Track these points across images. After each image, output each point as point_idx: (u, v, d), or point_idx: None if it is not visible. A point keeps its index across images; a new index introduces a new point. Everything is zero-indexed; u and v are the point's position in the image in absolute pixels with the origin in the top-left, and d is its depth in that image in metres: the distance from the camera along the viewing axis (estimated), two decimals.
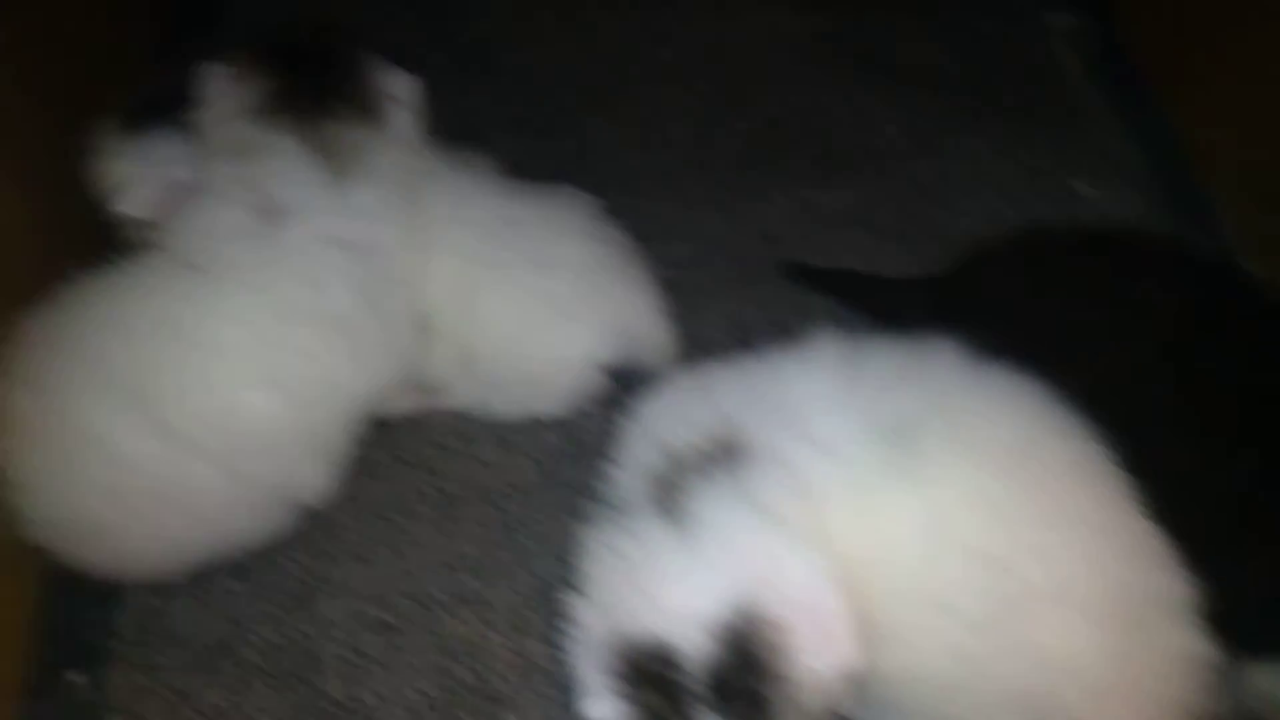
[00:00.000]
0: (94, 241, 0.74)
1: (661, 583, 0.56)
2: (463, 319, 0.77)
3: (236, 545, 0.71)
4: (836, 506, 0.59)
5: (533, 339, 0.78)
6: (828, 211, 0.95)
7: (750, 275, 0.91)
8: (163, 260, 0.68)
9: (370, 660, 0.68)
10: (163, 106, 0.75)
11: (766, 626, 0.54)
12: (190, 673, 0.68)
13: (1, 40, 0.75)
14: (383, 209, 0.72)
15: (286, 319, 0.67)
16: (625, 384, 0.81)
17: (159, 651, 0.69)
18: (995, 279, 0.79)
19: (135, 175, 0.74)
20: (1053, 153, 0.97)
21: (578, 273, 0.79)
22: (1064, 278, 0.75)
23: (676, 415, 0.64)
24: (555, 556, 0.73)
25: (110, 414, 0.64)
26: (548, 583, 0.72)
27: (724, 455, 0.60)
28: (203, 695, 0.67)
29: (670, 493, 0.59)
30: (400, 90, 0.75)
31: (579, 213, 0.82)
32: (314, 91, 0.72)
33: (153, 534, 0.67)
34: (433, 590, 0.72)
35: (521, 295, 0.78)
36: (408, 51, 0.81)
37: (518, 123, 1.02)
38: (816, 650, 0.55)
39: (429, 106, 0.81)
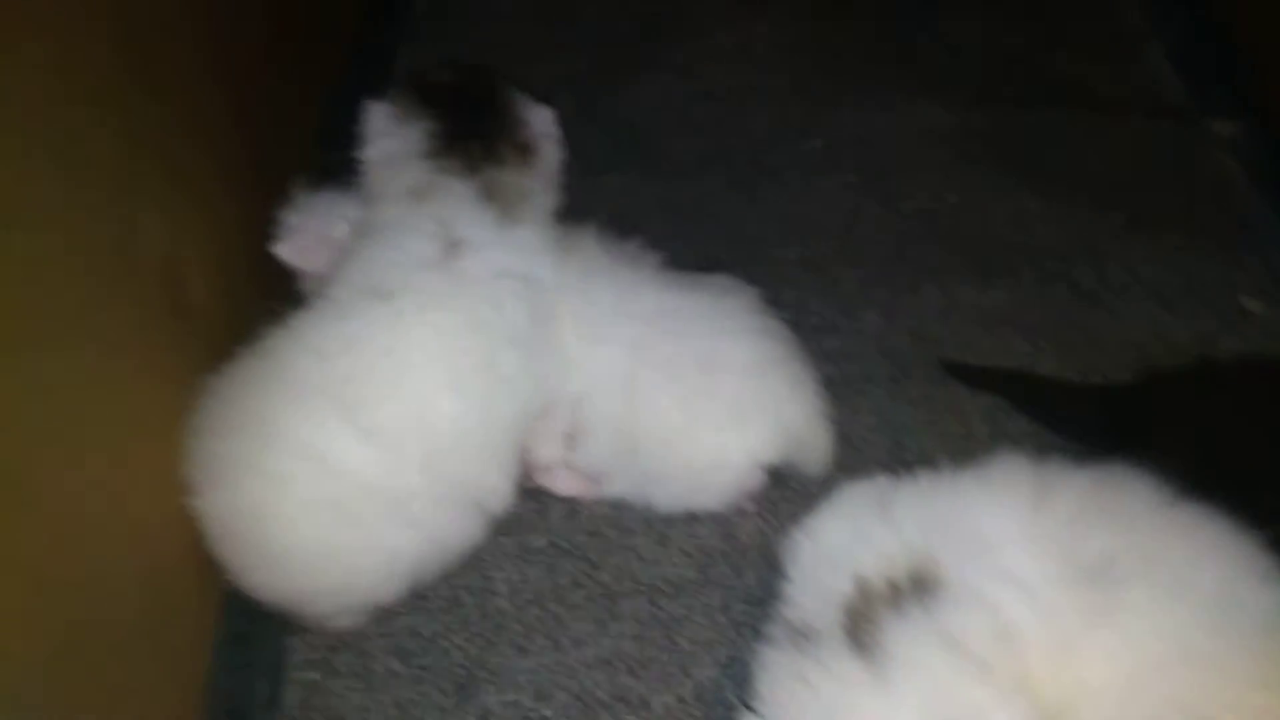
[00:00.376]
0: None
1: (855, 718, 0.55)
2: (625, 409, 0.78)
3: (440, 555, 0.72)
4: (1036, 650, 0.57)
5: (695, 436, 0.78)
6: (982, 311, 0.94)
7: (902, 372, 0.90)
8: (348, 292, 0.72)
9: None
10: (340, 166, 0.79)
11: None
12: None
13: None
14: (540, 244, 0.76)
15: (470, 334, 0.71)
16: (779, 480, 0.81)
17: None
18: (1172, 398, 0.77)
19: (299, 225, 0.80)
20: (1219, 265, 0.95)
21: (743, 369, 0.79)
22: (1242, 406, 0.73)
23: (861, 539, 0.63)
24: (714, 660, 0.73)
25: (319, 427, 0.67)
26: (707, 688, 0.71)
27: (919, 590, 0.59)
28: None
29: (862, 625, 0.58)
30: (546, 125, 0.79)
31: (743, 305, 0.82)
32: (480, 136, 0.75)
33: (368, 544, 0.69)
34: (592, 688, 0.71)
35: (686, 392, 0.78)
36: (564, 126, 0.83)
37: (665, 205, 1.04)
38: None
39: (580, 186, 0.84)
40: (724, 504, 0.81)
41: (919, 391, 0.89)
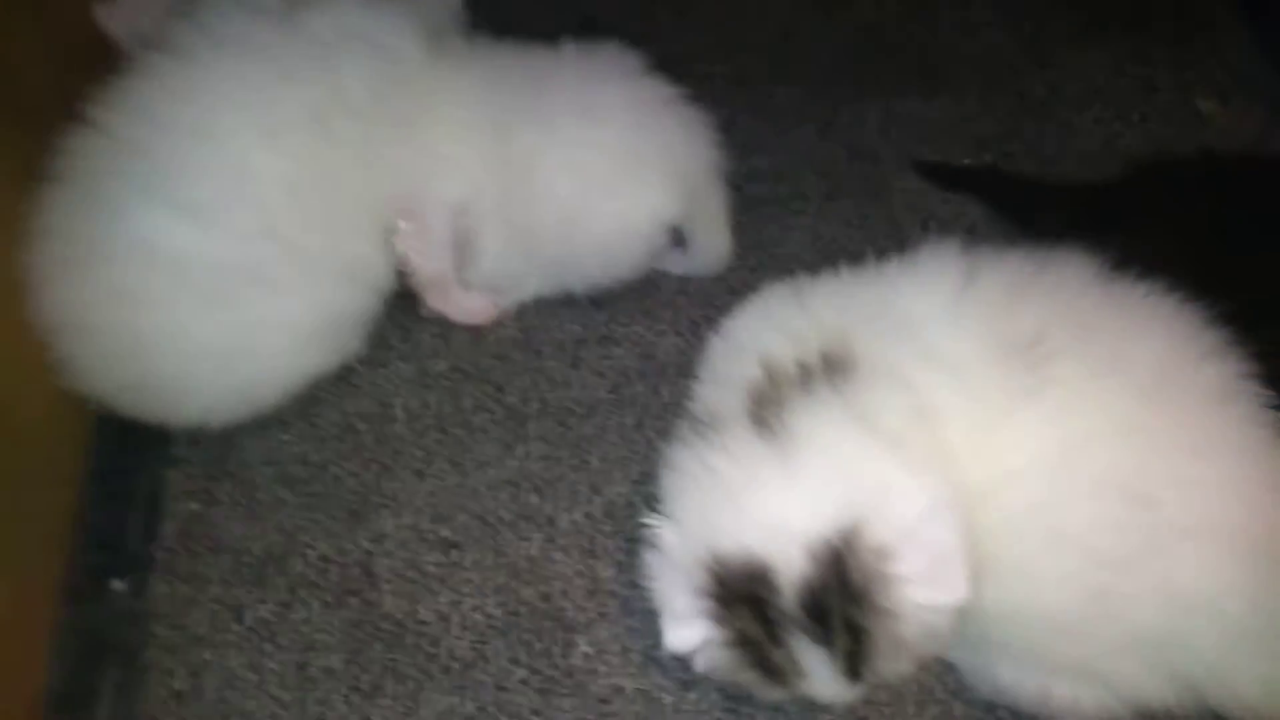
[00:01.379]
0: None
1: (759, 498, 0.50)
2: (510, 200, 0.71)
3: (319, 336, 0.67)
4: (957, 429, 0.53)
5: (593, 209, 0.71)
6: (925, 124, 0.87)
7: (837, 189, 0.84)
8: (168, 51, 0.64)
9: (430, 578, 0.64)
10: None
11: (871, 552, 0.48)
12: (237, 585, 0.64)
13: None
14: (410, 28, 0.69)
15: (288, 86, 0.64)
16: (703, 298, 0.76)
17: (204, 561, 0.65)
18: (1146, 195, 0.71)
19: None
20: (1173, 68, 0.88)
21: (627, 122, 0.71)
22: (1228, 200, 0.68)
23: (775, 327, 0.58)
24: (627, 479, 0.68)
25: (139, 219, 0.61)
26: (619, 505, 0.67)
27: (832, 370, 0.54)
28: (250, 608, 0.63)
29: (770, 408, 0.53)
30: None
31: (621, 63, 0.74)
32: None
33: (233, 323, 0.64)
34: (497, 509, 0.66)
35: (571, 162, 0.70)
36: None
37: (587, 23, 0.95)
38: (925, 583, 0.49)
39: None
40: (638, 271, 0.75)
41: (855, 210, 0.82)
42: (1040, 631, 0.53)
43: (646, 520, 0.54)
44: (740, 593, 0.49)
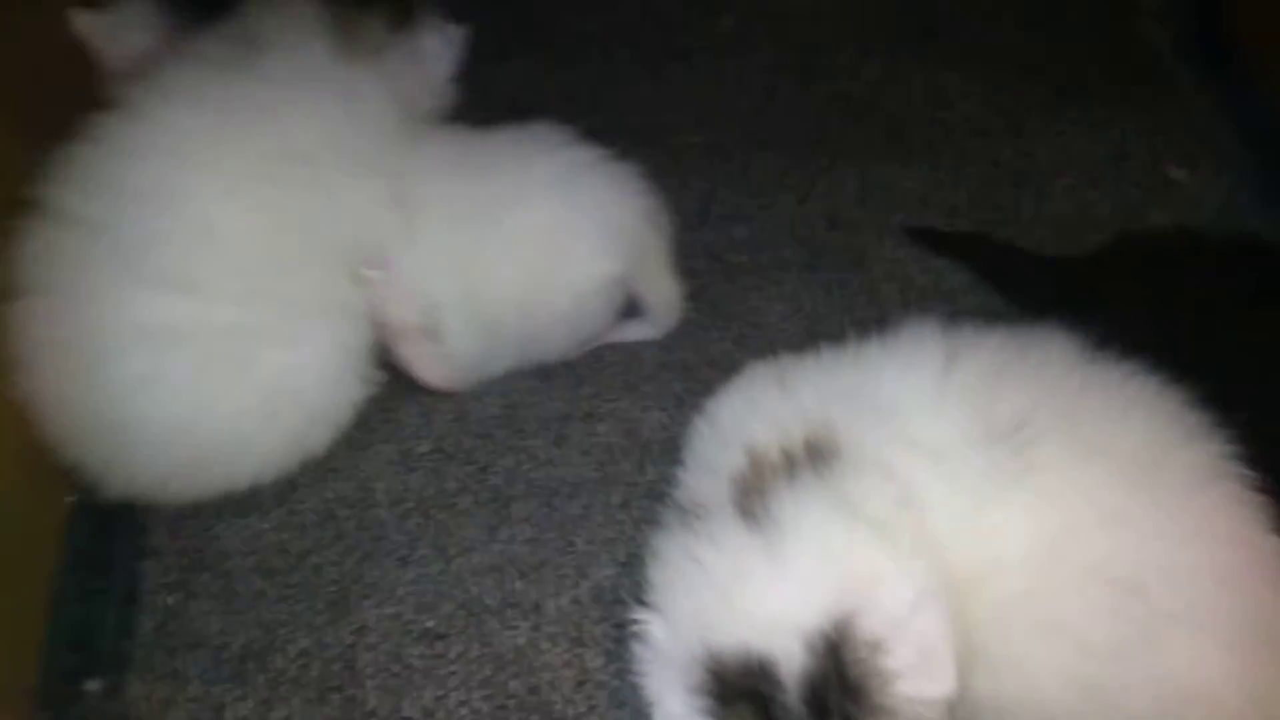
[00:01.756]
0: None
1: (750, 590, 0.50)
2: (469, 283, 0.72)
3: (312, 394, 0.67)
4: (941, 517, 0.53)
5: (541, 285, 0.73)
6: (901, 192, 0.88)
7: (816, 258, 0.84)
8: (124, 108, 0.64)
9: (413, 671, 0.62)
10: None
11: (864, 645, 0.48)
12: (216, 683, 0.62)
13: None
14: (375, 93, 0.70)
15: (240, 138, 0.64)
16: (687, 372, 0.76)
17: (181, 658, 0.63)
18: (1142, 271, 0.72)
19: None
20: (1143, 135, 0.90)
21: (560, 196, 0.74)
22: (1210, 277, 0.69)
23: (757, 413, 0.58)
24: (613, 559, 0.67)
25: (126, 295, 0.61)
26: (606, 589, 0.66)
27: (815, 457, 0.54)
28: (230, 707, 0.61)
29: (755, 498, 0.53)
30: (441, 34, 0.76)
31: (549, 141, 0.77)
32: None
33: (232, 404, 0.64)
34: (482, 596, 0.65)
35: (514, 240, 0.73)
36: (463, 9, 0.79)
37: (565, 91, 0.96)
38: (916, 676, 0.48)
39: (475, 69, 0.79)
40: (601, 333, 0.77)
41: (834, 278, 0.83)
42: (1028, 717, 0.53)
43: (635, 615, 0.53)
44: (740, 690, 0.48)
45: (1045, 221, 0.86)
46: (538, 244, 0.74)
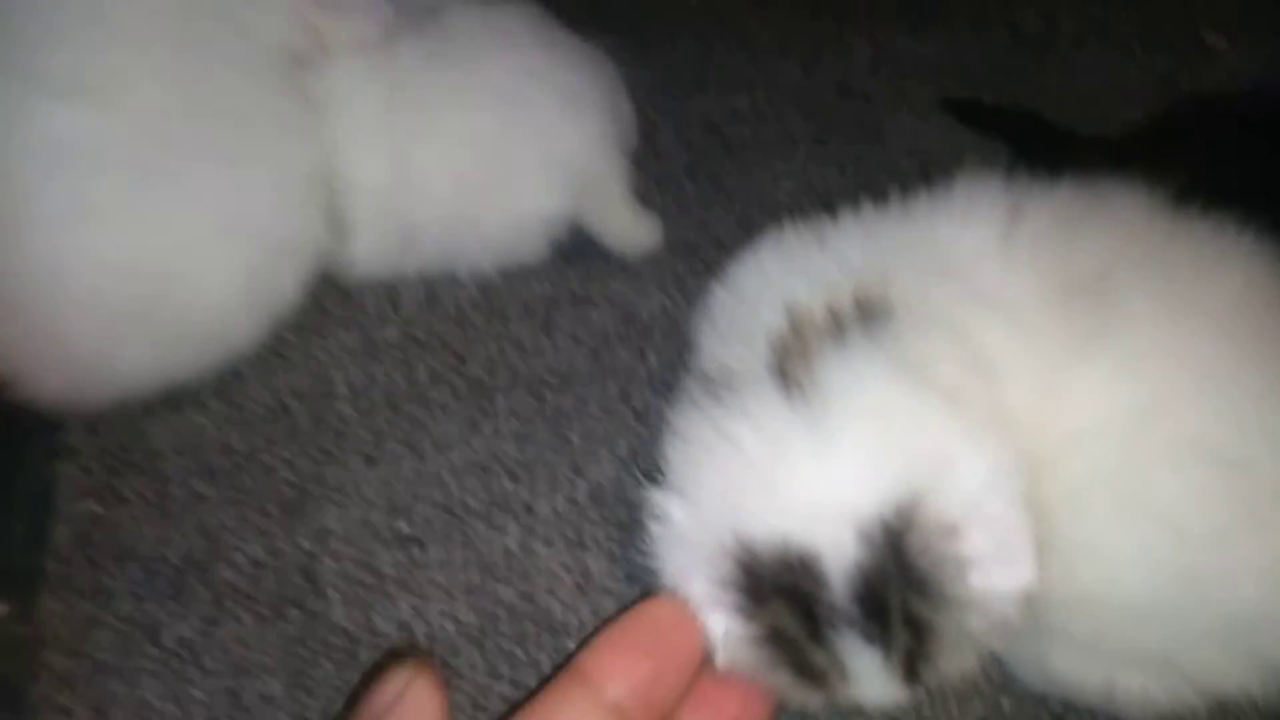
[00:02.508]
0: None
1: (793, 473, 0.41)
2: (394, 177, 0.62)
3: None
4: (1013, 385, 0.45)
5: (467, 188, 0.63)
6: (916, 61, 0.80)
7: (826, 131, 0.76)
8: None
9: (385, 580, 0.53)
10: None
11: (934, 531, 0.40)
12: (150, 599, 0.53)
13: None
14: None
15: None
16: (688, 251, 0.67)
17: (108, 573, 0.54)
18: (1217, 134, 0.65)
19: None
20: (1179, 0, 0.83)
21: (509, 108, 0.63)
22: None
23: (795, 270, 0.49)
24: (614, 458, 0.59)
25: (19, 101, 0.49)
26: (606, 488, 0.57)
27: (868, 317, 0.46)
28: (168, 626, 0.52)
29: (796, 362, 0.45)
30: None
31: (513, 29, 0.66)
32: None
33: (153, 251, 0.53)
34: (464, 497, 0.57)
35: (450, 136, 0.63)
36: None
37: None
38: (993, 566, 0.41)
39: None
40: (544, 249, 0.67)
41: (848, 153, 0.75)
42: (1110, 618, 0.46)
43: (648, 497, 0.45)
44: (776, 585, 0.41)
45: (1071, 94, 0.79)
46: (473, 161, 0.63)
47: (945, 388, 0.43)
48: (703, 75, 0.78)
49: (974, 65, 0.80)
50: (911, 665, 0.40)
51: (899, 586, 0.40)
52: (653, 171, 0.73)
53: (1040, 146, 0.72)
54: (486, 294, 0.66)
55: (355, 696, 0.28)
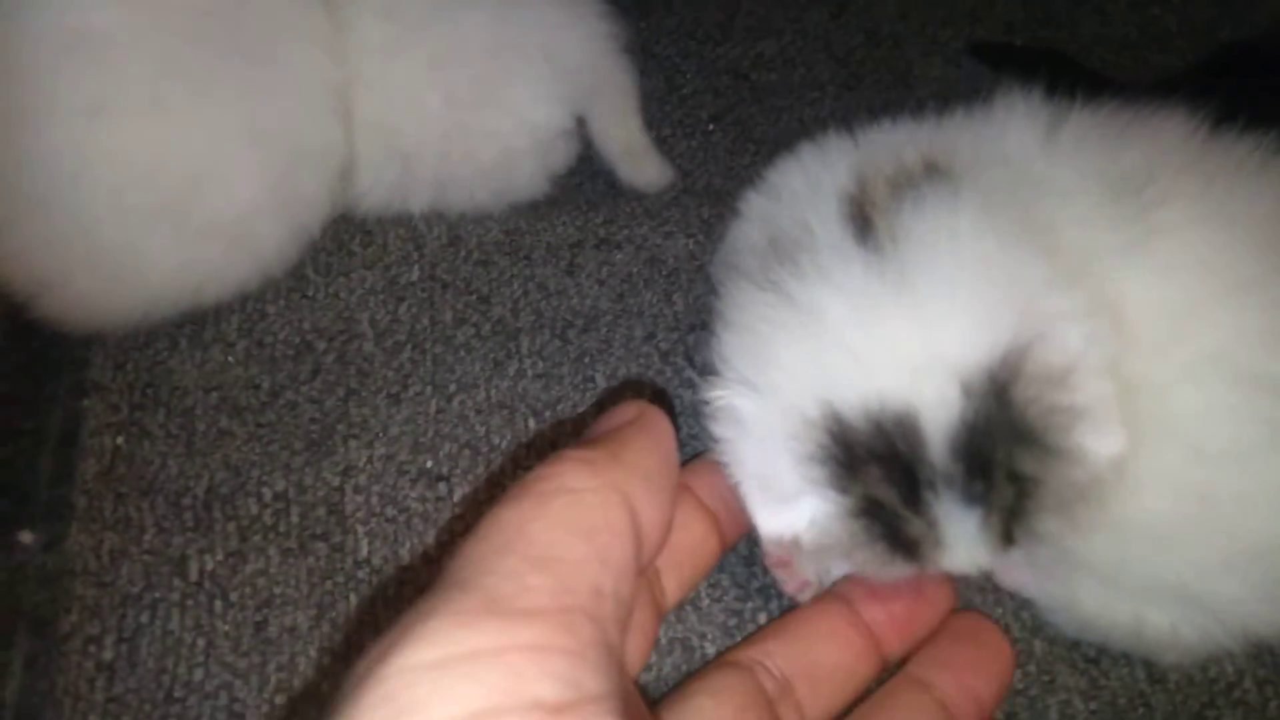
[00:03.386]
0: None
1: (883, 330, 0.38)
2: (386, 100, 0.60)
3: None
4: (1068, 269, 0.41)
5: (462, 104, 0.60)
6: (946, 6, 0.78)
7: (856, 78, 0.75)
8: None
9: (411, 515, 0.53)
10: None
11: (1042, 380, 0.37)
12: (177, 532, 0.53)
13: None
14: None
15: None
16: (714, 197, 0.66)
17: (134, 505, 0.54)
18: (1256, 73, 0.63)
19: None
20: None
21: (503, 8, 0.61)
22: None
23: (856, 148, 0.46)
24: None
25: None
26: None
27: (938, 176, 0.42)
28: (194, 559, 0.52)
29: (875, 214, 0.40)
30: None
31: None
32: None
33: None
34: (489, 436, 0.56)
35: (438, 46, 0.60)
36: None
37: None
38: (1091, 426, 0.38)
39: None
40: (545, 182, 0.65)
41: (878, 100, 0.73)
42: (1132, 544, 0.44)
43: (709, 395, 0.41)
44: (871, 451, 0.38)
45: (1106, 41, 0.77)
46: (463, 72, 0.60)
47: (1036, 232, 0.40)
48: (729, 22, 0.77)
49: (1006, 11, 0.78)
50: (1007, 526, 0.39)
51: (1005, 438, 0.37)
52: (679, 118, 0.72)
53: (1073, 88, 0.70)
54: (511, 236, 0.65)
55: None
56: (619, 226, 0.66)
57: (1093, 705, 0.48)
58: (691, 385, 0.59)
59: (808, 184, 0.44)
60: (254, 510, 0.54)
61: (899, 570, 0.40)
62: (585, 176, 0.69)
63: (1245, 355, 0.41)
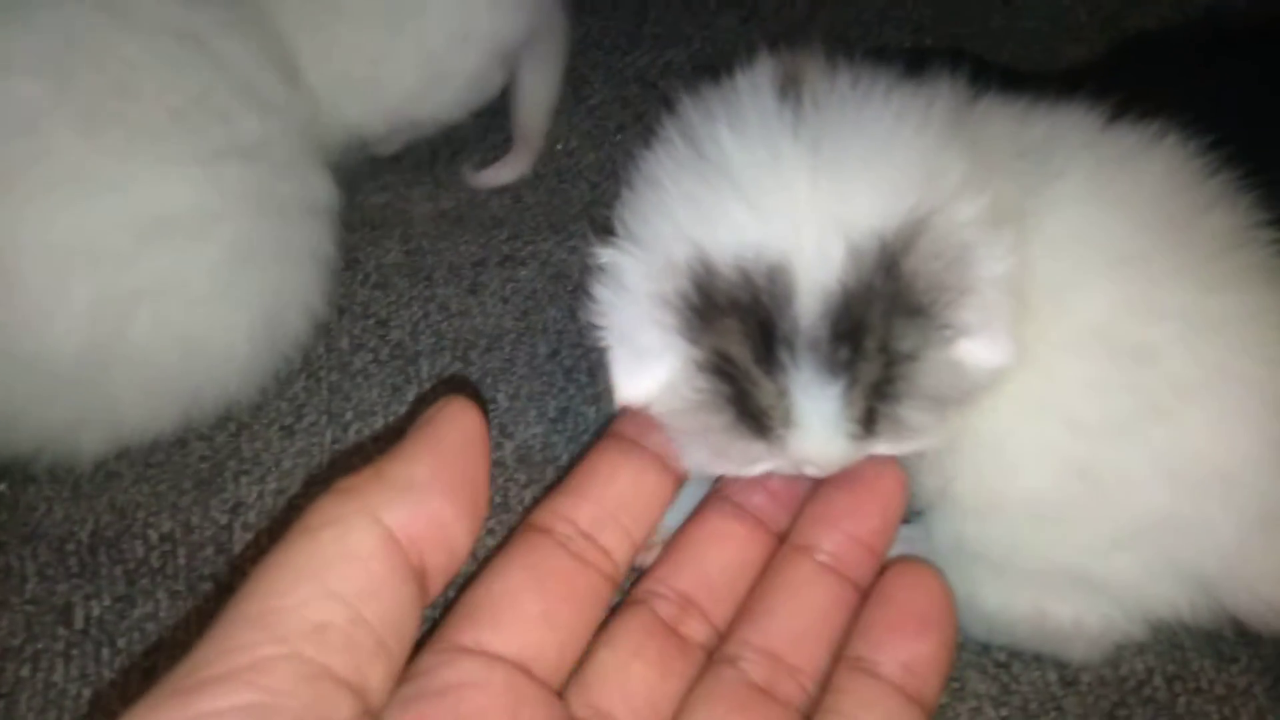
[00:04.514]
0: None
1: (782, 181, 0.36)
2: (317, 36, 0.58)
3: None
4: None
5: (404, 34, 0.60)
6: (857, 7, 0.78)
7: None
8: None
9: None
10: None
11: (936, 258, 0.35)
12: (61, 579, 0.51)
13: None
14: None
15: None
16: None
17: (16, 554, 0.52)
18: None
19: None
20: None
21: None
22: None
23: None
24: (544, 418, 0.57)
25: None
26: (534, 449, 0.55)
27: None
28: (80, 605, 0.50)
29: (806, 82, 0.39)
30: None
31: None
32: None
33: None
34: None
35: None
36: None
37: None
38: (980, 330, 0.36)
39: None
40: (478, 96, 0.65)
41: None
42: (1020, 526, 0.43)
43: (596, 252, 0.38)
44: (733, 299, 0.35)
45: (1017, 35, 0.77)
46: None
47: (956, 145, 0.39)
48: (637, 30, 0.76)
49: (915, 10, 0.78)
50: (870, 408, 0.36)
51: (884, 307, 0.35)
52: (587, 129, 0.71)
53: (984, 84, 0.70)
54: (411, 256, 0.64)
55: None
56: (524, 242, 0.65)
57: (1004, 711, 0.47)
58: (596, 400, 0.58)
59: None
60: (140, 553, 0.52)
61: (750, 453, 0.37)
62: (491, 192, 0.68)
63: (1123, 327, 0.41)
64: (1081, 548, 0.43)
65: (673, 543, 0.40)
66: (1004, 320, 0.37)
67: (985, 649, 0.50)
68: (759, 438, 0.36)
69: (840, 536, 0.38)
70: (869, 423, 0.36)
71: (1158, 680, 0.48)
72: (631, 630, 0.36)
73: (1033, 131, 0.43)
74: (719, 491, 0.41)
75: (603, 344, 0.38)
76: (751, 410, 0.36)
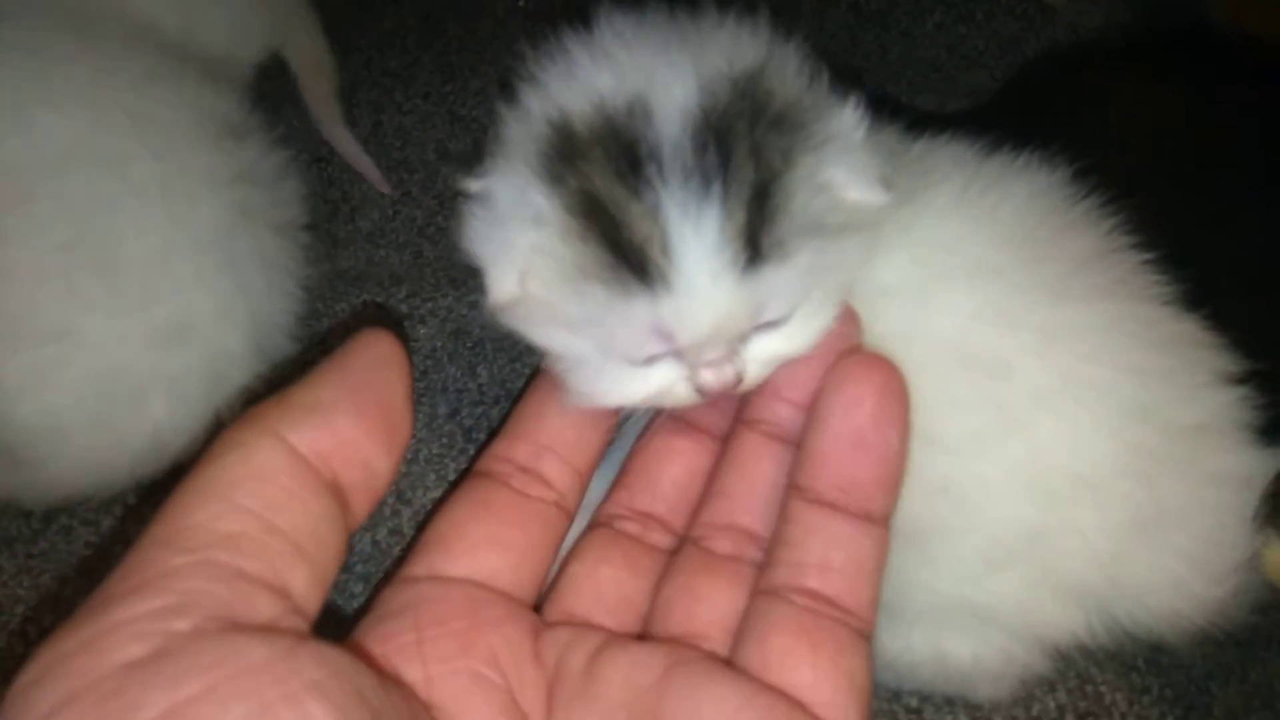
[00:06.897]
0: None
1: (647, 49, 0.37)
2: None
3: None
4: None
5: None
6: None
7: None
8: None
9: None
10: None
11: (797, 75, 0.38)
12: None
13: None
14: None
15: None
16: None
17: None
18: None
19: None
20: None
21: None
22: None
23: None
24: (443, 481, 0.55)
25: None
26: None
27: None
28: None
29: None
30: None
31: None
32: None
33: None
34: None
35: None
36: None
37: None
38: (850, 174, 0.37)
39: None
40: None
41: None
42: (899, 556, 0.40)
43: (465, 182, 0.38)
44: (593, 133, 0.34)
45: (915, 63, 0.78)
46: None
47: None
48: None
49: (816, 42, 0.79)
50: (752, 228, 0.34)
51: (748, 118, 0.35)
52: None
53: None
54: (305, 320, 0.62)
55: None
56: (422, 299, 0.64)
57: None
58: None
59: None
60: (20, 651, 0.50)
61: (634, 321, 0.35)
62: (391, 248, 0.67)
63: (979, 338, 0.40)
64: (960, 575, 0.42)
65: (625, 468, 0.41)
66: (871, 163, 0.37)
67: (897, 695, 0.49)
68: (640, 282, 0.34)
69: (781, 405, 0.39)
70: (754, 245, 0.34)
71: (1069, 718, 0.48)
72: (596, 546, 0.38)
73: (911, 150, 0.44)
74: (660, 424, 0.42)
75: (478, 264, 0.38)
76: (626, 245, 0.34)
